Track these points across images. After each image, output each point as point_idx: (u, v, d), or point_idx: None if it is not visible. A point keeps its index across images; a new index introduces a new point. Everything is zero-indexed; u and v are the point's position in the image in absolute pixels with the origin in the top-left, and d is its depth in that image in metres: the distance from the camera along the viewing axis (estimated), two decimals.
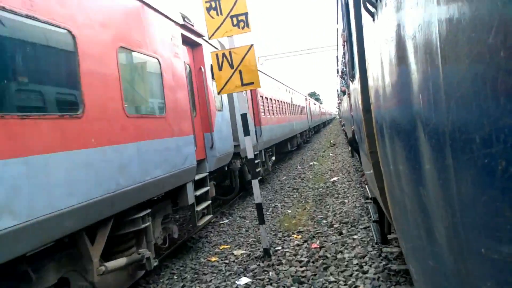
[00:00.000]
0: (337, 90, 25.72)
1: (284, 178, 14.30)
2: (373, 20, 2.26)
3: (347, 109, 11.39)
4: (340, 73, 12.39)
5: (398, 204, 2.28)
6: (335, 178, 12.38)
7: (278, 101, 17.73)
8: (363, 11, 2.63)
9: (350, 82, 6.15)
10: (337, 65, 15.09)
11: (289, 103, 21.55)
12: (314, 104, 44.80)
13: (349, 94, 7.74)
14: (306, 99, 33.06)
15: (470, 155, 0.85)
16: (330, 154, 19.90)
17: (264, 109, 13.96)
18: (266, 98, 14.78)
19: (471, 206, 0.91)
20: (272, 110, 15.87)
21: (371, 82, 2.81)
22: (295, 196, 10.59)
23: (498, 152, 0.71)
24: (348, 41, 4.74)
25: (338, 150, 21.48)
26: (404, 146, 1.71)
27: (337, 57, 14.82)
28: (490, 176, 0.76)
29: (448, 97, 0.97)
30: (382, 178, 2.95)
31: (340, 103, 25.40)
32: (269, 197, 10.98)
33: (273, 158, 15.12)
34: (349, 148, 16.01)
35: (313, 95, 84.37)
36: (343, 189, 10.40)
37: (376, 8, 2.13)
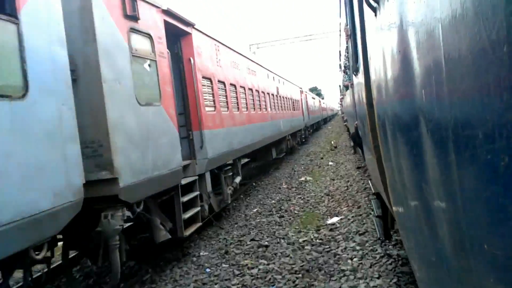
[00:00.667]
0: (339, 86, 25.63)
1: (254, 212, 9.03)
2: (375, 15, 2.25)
3: (350, 104, 11.32)
4: (343, 68, 12.33)
5: (401, 199, 2.28)
6: (335, 219, 7.51)
7: (252, 90, 12.46)
8: (365, 6, 2.61)
9: (353, 75, 6.13)
10: (340, 60, 15.01)
11: (273, 95, 16.48)
12: (313, 98, 42.27)
13: (352, 88, 7.71)
14: (301, 91, 28.44)
15: (472, 150, 0.85)
16: (330, 163, 15.28)
17: (215, 101, 8.56)
18: (224, 83, 9.47)
19: (473, 202, 0.91)
20: (238, 103, 10.48)
21: (373, 77, 2.81)
22: (255, 271, 5.45)
23: (501, 148, 0.70)
24: (352, 35, 4.73)
25: (340, 157, 16.87)
26: (406, 141, 1.71)
27: (339, 51, 14.73)
28: (492, 172, 0.75)
29: (451, 92, 0.96)
30: (385, 172, 2.95)
31: (342, 98, 25.36)
32: (207, 266, 5.90)
33: (238, 178, 9.82)
34: (352, 143, 15.87)
35: (314, 90, 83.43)
36: (351, 258, 5.44)
37: (378, 3, 2.12)
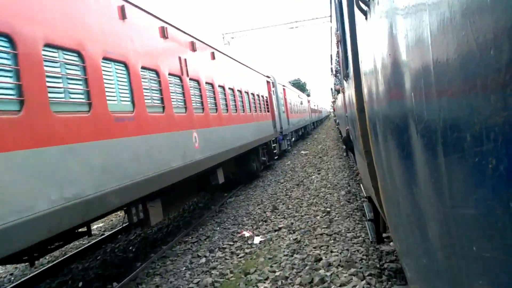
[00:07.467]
0: (331, 89, 25.91)
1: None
2: (366, 18, 2.27)
3: (342, 108, 11.39)
4: (334, 72, 12.42)
5: (392, 202, 2.29)
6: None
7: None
8: (356, 9, 2.63)
9: (344, 81, 6.17)
10: (331, 64, 15.14)
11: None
12: (314, 104, 36.50)
13: (343, 93, 7.75)
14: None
15: (461, 153, 0.85)
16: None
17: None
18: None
19: (462, 204, 0.91)
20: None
21: (364, 81, 2.82)
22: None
23: (489, 150, 0.71)
24: (342, 40, 4.75)
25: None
26: (396, 144, 1.71)
27: (331, 55, 14.87)
28: (481, 174, 0.76)
29: (440, 95, 0.97)
30: (376, 176, 2.96)
31: (334, 101, 25.61)
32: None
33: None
34: (344, 147, 15.98)
35: (296, 83, 63.28)
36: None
37: (368, 6, 2.13)
